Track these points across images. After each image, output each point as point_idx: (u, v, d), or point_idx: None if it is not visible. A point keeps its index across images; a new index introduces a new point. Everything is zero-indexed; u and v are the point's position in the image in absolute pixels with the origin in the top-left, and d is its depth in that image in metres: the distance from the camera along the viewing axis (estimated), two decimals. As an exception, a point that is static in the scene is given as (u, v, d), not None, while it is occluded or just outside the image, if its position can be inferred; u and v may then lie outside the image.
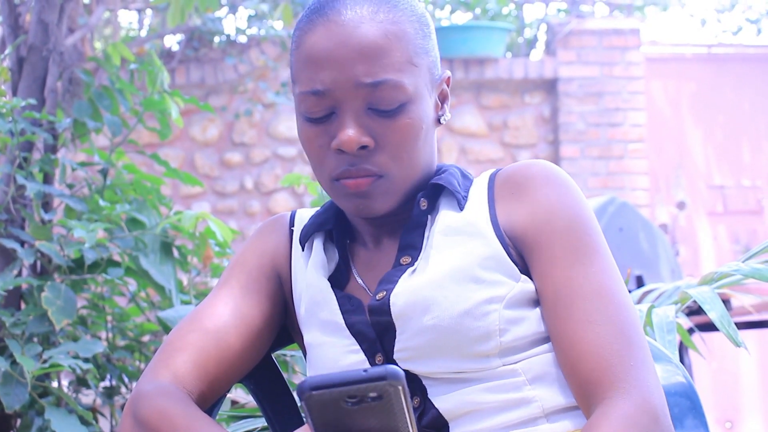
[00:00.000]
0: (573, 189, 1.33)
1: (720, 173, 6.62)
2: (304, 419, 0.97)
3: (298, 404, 0.94)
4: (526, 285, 1.28)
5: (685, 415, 1.35)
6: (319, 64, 1.27)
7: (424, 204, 1.34)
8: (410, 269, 1.31)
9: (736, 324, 1.76)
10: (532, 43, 6.66)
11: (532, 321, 1.27)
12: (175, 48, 6.08)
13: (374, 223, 1.37)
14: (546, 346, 1.27)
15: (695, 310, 2.89)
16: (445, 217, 1.33)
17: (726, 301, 3.28)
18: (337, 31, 1.27)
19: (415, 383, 1.28)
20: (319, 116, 1.30)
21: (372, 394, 0.95)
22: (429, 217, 1.34)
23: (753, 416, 6.44)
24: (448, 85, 1.39)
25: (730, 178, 6.63)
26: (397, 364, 1.28)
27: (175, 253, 2.83)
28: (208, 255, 2.80)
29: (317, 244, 1.40)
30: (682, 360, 3.36)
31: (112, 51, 3.04)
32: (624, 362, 1.21)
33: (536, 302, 1.29)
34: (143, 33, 6.31)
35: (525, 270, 1.30)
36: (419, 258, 1.32)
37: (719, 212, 6.60)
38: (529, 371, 1.25)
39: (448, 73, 1.40)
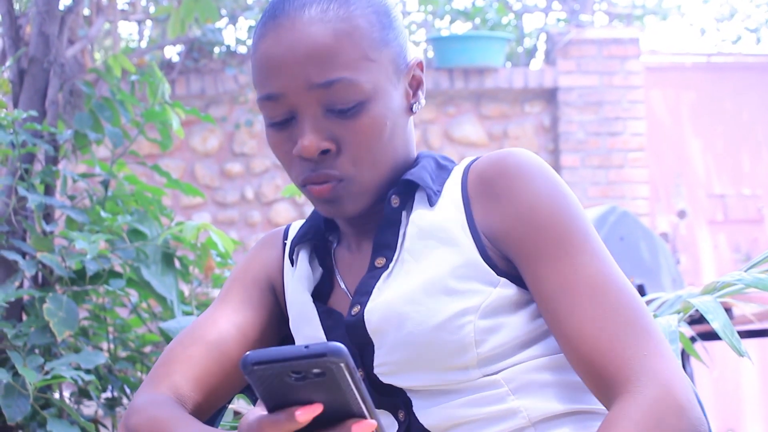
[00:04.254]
0: (549, 178, 1.27)
1: (720, 182, 6.63)
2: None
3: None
4: (503, 290, 1.23)
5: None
6: (270, 69, 1.26)
7: (395, 201, 1.30)
8: (385, 273, 1.28)
9: (737, 333, 1.76)
10: (531, 53, 6.67)
11: (511, 327, 1.23)
12: (176, 59, 6.09)
13: (353, 222, 1.35)
14: (529, 352, 1.24)
15: (697, 319, 2.89)
16: (418, 218, 1.29)
17: (728, 310, 3.28)
18: (286, 35, 1.25)
19: (400, 397, 1.26)
20: (280, 121, 1.27)
21: (315, 371, 0.94)
22: (404, 213, 1.31)
23: (755, 425, 6.43)
24: (421, 70, 1.34)
25: (731, 186, 6.63)
26: (378, 379, 1.27)
27: (177, 263, 2.83)
28: (209, 266, 2.80)
29: (302, 255, 1.39)
30: (684, 369, 3.36)
31: (112, 62, 3.04)
32: (637, 353, 1.16)
33: (516, 306, 1.24)
34: (143, 44, 6.32)
35: (505, 269, 1.25)
36: (394, 259, 1.29)
37: (720, 221, 6.60)
38: (511, 381, 1.22)
39: (418, 57, 1.34)
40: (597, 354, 1.17)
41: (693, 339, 2.79)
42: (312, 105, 1.24)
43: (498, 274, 1.24)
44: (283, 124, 1.27)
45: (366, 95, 1.25)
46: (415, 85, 1.33)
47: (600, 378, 1.17)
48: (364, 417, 0.99)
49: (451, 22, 6.91)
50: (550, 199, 1.25)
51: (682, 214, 6.51)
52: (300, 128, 1.25)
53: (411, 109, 1.32)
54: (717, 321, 1.68)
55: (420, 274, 1.25)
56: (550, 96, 6.26)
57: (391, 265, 1.28)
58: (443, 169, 1.34)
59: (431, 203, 1.29)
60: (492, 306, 1.22)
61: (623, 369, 1.16)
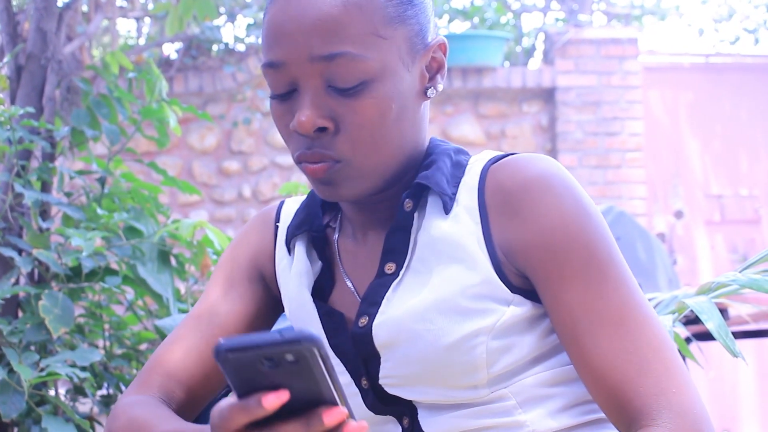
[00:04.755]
0: (574, 194, 1.20)
1: (717, 182, 6.63)
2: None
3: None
4: (517, 309, 1.19)
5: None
6: (274, 36, 1.19)
7: (408, 205, 1.25)
8: (395, 282, 1.24)
9: (733, 333, 1.76)
10: (530, 52, 6.67)
11: (523, 345, 1.20)
12: (174, 56, 6.08)
13: (359, 209, 1.30)
14: (539, 367, 1.21)
15: (693, 320, 2.89)
16: (431, 225, 1.24)
17: (723, 311, 3.28)
18: (295, 2, 1.18)
19: (405, 405, 1.25)
20: (282, 92, 1.21)
21: (289, 358, 0.93)
22: (416, 215, 1.25)
23: (751, 425, 6.43)
24: (444, 53, 1.27)
25: (728, 187, 6.63)
26: (383, 388, 1.25)
27: (173, 261, 2.83)
28: (205, 263, 2.79)
29: (299, 247, 1.34)
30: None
31: (110, 59, 3.04)
32: (664, 389, 1.13)
33: (529, 322, 1.21)
34: (141, 41, 6.32)
35: (520, 285, 1.21)
36: (404, 266, 1.24)
37: (717, 221, 6.60)
38: (519, 394, 1.20)
39: (443, 38, 1.27)
40: (623, 386, 1.14)
41: (688, 339, 2.79)
42: (313, 78, 1.19)
43: (512, 291, 1.20)
44: (285, 96, 1.22)
45: (371, 74, 1.18)
46: (435, 67, 1.26)
47: (624, 410, 1.15)
48: (335, 404, 0.98)
49: (450, 21, 6.91)
50: (576, 219, 1.18)
51: (679, 215, 6.51)
52: (299, 102, 1.20)
53: (425, 93, 1.26)
54: (711, 322, 1.68)
55: (433, 291, 1.20)
56: (548, 95, 6.26)
57: (401, 273, 1.24)
58: (458, 167, 1.27)
59: (446, 210, 1.23)
60: (505, 326, 1.19)
61: (650, 403, 1.13)
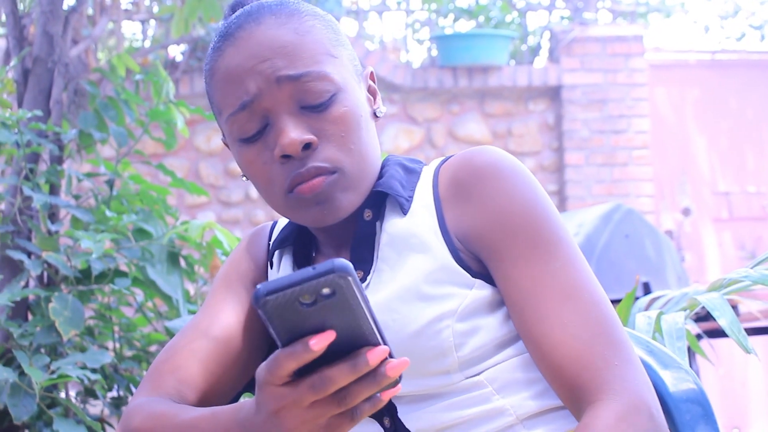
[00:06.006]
0: (523, 179, 1.25)
1: (724, 180, 6.62)
2: (267, 329, 0.98)
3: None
4: (479, 292, 1.23)
5: (697, 422, 1.34)
6: (239, 78, 1.24)
7: (368, 215, 1.29)
8: (362, 285, 1.26)
9: (744, 330, 1.76)
10: (535, 51, 6.67)
11: (489, 328, 1.22)
12: (179, 58, 6.09)
13: (330, 235, 1.33)
14: (509, 351, 1.23)
15: (702, 317, 2.89)
16: (390, 226, 1.28)
17: (734, 307, 3.28)
18: (247, 44, 1.24)
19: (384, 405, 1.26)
20: (254, 133, 1.25)
21: (325, 291, 0.94)
22: (378, 224, 1.29)
23: (760, 422, 6.42)
24: (373, 81, 1.35)
25: (735, 184, 6.63)
26: None
27: (182, 262, 2.83)
28: (215, 264, 2.80)
29: (285, 261, 1.37)
30: (690, 366, 3.36)
31: (117, 62, 3.04)
32: (609, 362, 1.16)
33: (492, 306, 1.24)
34: (147, 44, 6.32)
35: (480, 270, 1.24)
36: (372, 271, 1.28)
37: (724, 218, 6.60)
38: (495, 381, 1.22)
39: (370, 68, 1.36)
40: (569, 361, 1.17)
41: (699, 336, 2.79)
42: (285, 102, 1.23)
43: (472, 276, 1.23)
44: (256, 136, 1.25)
45: (337, 87, 1.24)
46: (373, 93, 1.34)
47: (571, 384, 1.17)
48: (376, 342, 0.98)
49: (455, 20, 6.91)
50: (523, 200, 1.23)
51: (686, 212, 6.51)
52: (277, 128, 1.23)
53: (375, 114, 1.33)
54: (724, 318, 1.68)
55: (395, 283, 1.24)
56: (554, 94, 6.25)
57: (368, 277, 1.27)
58: (412, 173, 1.32)
59: (404, 211, 1.27)
60: (469, 308, 1.22)
61: (596, 377, 1.16)
